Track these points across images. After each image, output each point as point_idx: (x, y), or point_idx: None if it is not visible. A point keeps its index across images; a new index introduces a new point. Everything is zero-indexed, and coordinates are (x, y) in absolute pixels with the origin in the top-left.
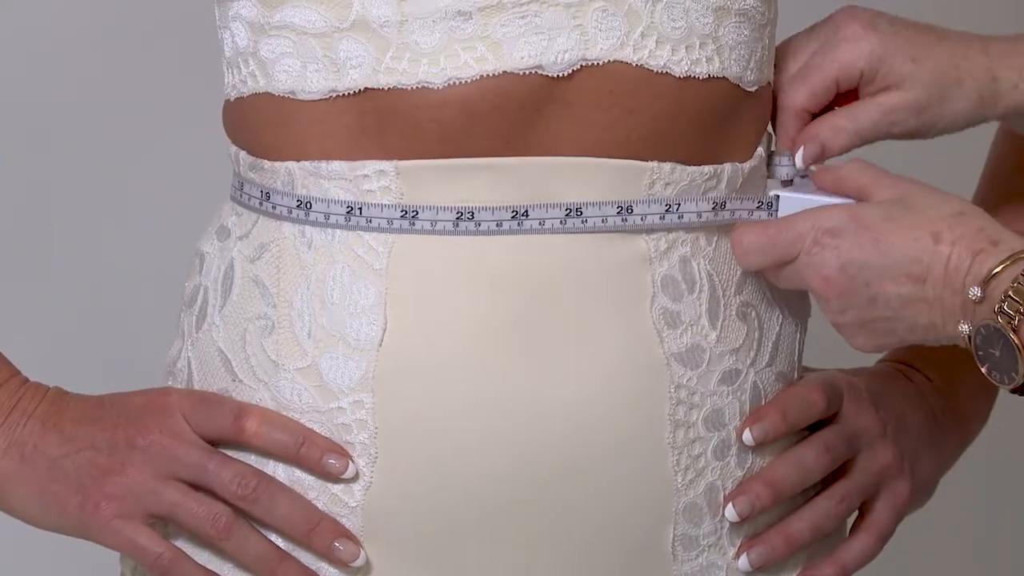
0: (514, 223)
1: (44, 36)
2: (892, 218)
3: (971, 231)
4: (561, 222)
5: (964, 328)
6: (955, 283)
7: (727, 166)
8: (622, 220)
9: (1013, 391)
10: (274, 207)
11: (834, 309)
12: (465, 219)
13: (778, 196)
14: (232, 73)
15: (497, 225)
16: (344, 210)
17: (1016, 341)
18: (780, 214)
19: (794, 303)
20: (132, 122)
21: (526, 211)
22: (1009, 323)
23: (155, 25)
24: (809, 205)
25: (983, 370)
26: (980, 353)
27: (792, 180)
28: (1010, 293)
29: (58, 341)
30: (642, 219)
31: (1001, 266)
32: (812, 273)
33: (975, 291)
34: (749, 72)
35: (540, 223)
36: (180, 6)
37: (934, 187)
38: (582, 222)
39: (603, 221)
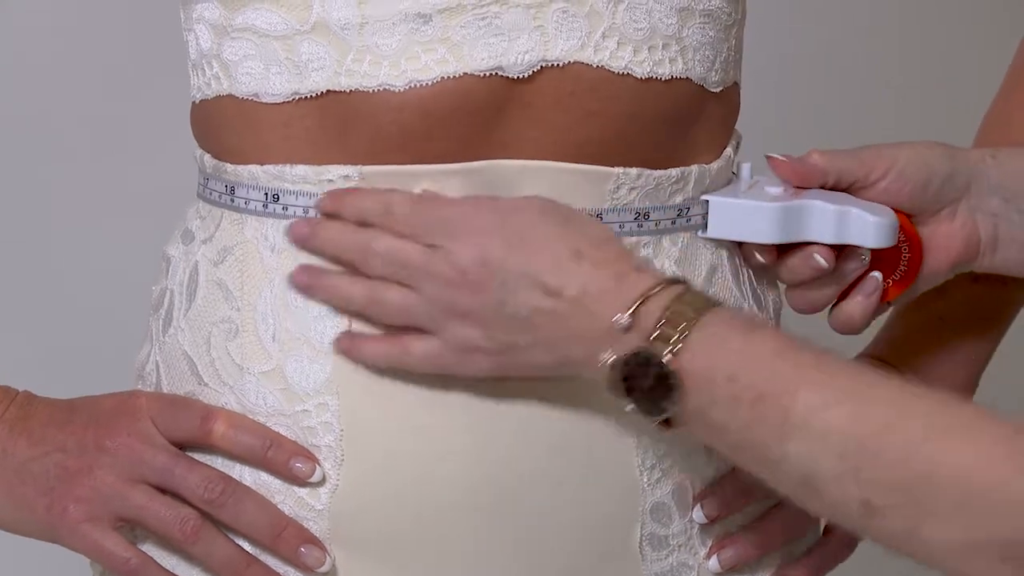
0: None
1: (27, 40)
2: (543, 224)
3: (613, 255)
4: None
5: (606, 356)
6: (595, 306)
7: (694, 168)
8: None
9: (660, 424)
10: (233, 200)
11: (461, 308)
12: None
13: (707, 201)
14: (197, 75)
15: None
16: (311, 203)
17: (674, 367)
18: (711, 219)
19: (765, 301)
20: (104, 125)
21: None
22: (666, 350)
23: (130, 27)
24: (740, 209)
25: (628, 402)
26: (627, 382)
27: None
28: (665, 319)
29: (27, 345)
30: (620, 227)
31: (652, 291)
32: (449, 262)
33: (622, 318)
34: (714, 73)
35: None
36: (156, 7)
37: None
38: None
39: None
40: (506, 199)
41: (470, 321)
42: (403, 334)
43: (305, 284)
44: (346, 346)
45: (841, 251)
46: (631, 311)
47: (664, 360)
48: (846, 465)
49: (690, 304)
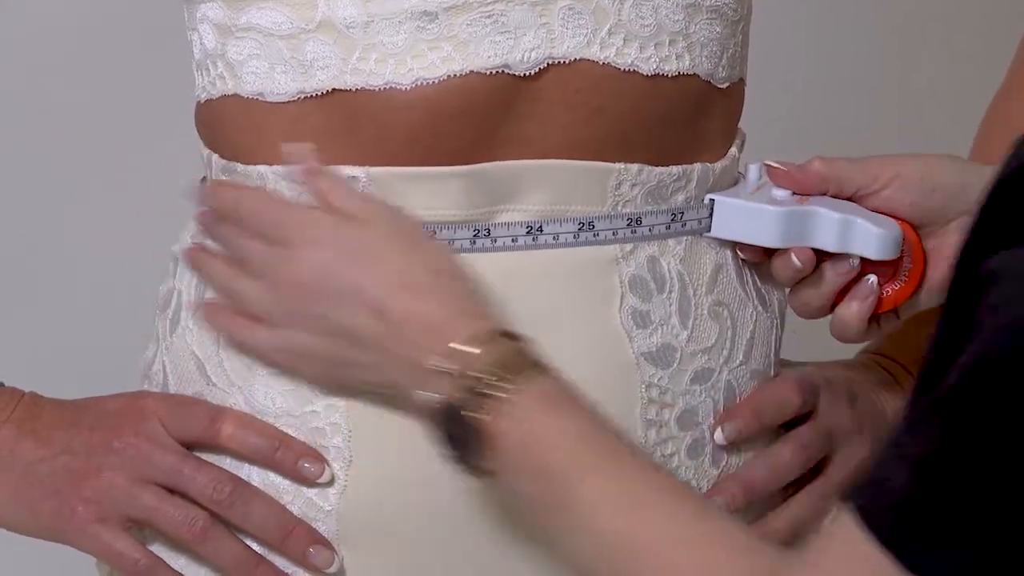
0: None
1: (34, 38)
2: (387, 243)
3: (449, 291)
4: (513, 239)
5: (423, 394)
6: (416, 337)
7: (697, 166)
8: (593, 236)
9: (467, 472)
10: None
11: (296, 313)
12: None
13: (713, 200)
14: (202, 75)
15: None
16: None
17: (485, 428)
18: (715, 219)
19: (770, 300)
20: (113, 124)
21: (488, 229)
22: (481, 408)
23: (135, 26)
24: (745, 211)
25: (441, 446)
26: (441, 427)
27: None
28: (485, 375)
29: (33, 345)
30: (613, 234)
31: (479, 340)
32: (288, 266)
33: (439, 362)
34: (721, 69)
35: (512, 240)
36: (159, 7)
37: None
38: (533, 239)
39: (574, 237)
40: (359, 207)
41: (307, 326)
42: (258, 320)
43: (190, 255)
44: (206, 312)
45: (833, 255)
46: (450, 356)
47: (476, 417)
48: (605, 563)
49: (511, 365)
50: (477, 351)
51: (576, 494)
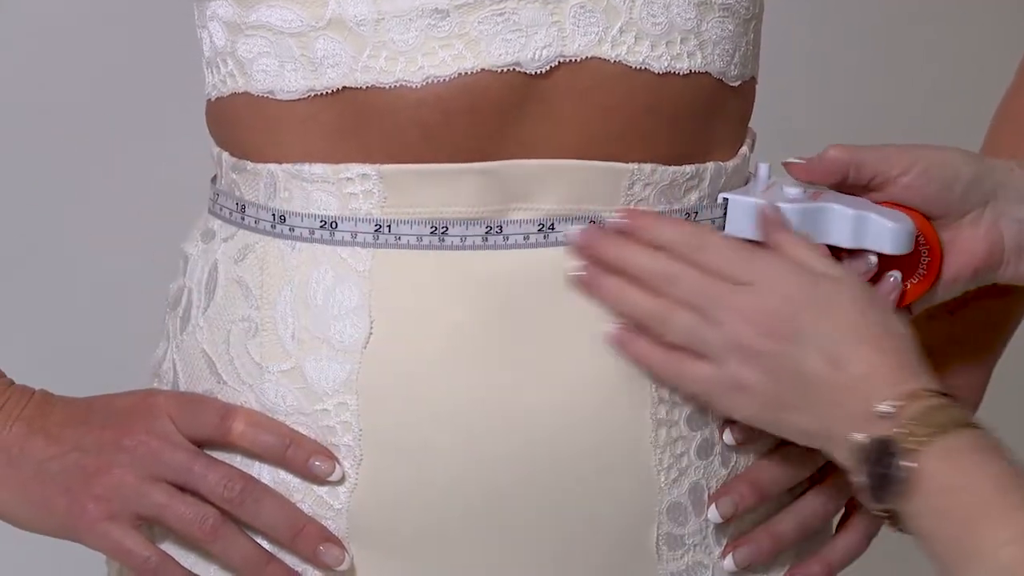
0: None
1: (38, 36)
2: (850, 299)
3: (901, 347)
4: (525, 237)
5: (857, 436)
6: (867, 389)
7: (710, 165)
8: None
9: (880, 514)
10: (244, 219)
11: (750, 348)
12: (439, 233)
13: (727, 199)
14: (212, 73)
15: (484, 239)
16: (317, 224)
17: (912, 467)
18: (729, 217)
19: None
20: (120, 122)
21: (500, 226)
22: (911, 449)
23: (145, 24)
24: (756, 210)
25: (861, 482)
26: (869, 465)
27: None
28: (920, 421)
29: (43, 343)
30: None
31: (921, 393)
32: (756, 302)
33: (887, 407)
34: (732, 67)
35: (524, 237)
36: (169, 4)
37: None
38: (545, 237)
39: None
40: (813, 259)
41: (753, 363)
42: (680, 350)
43: (586, 280)
44: (622, 339)
45: (850, 253)
46: (896, 404)
47: (906, 458)
48: None
49: (947, 416)
50: (916, 403)
51: (992, 541)
